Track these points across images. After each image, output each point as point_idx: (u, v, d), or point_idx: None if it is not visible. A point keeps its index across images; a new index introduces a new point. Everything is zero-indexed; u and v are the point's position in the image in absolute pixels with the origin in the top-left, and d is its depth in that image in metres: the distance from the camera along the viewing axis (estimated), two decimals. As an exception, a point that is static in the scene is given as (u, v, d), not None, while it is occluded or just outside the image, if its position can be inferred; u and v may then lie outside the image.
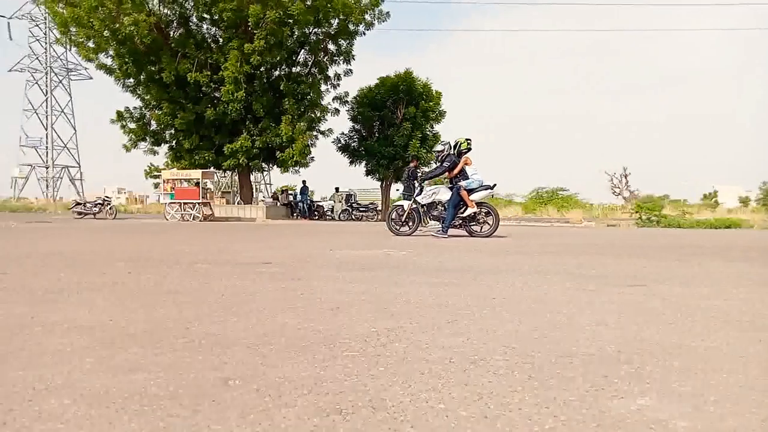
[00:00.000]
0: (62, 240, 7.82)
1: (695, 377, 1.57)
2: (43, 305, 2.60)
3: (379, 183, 26.67)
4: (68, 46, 23.55)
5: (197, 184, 19.59)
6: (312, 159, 22.68)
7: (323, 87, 23.12)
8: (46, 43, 61.10)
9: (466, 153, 9.59)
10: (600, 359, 1.75)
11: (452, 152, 9.62)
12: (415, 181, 11.09)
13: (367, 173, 26.06)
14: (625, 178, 36.80)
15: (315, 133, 22.65)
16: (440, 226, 9.36)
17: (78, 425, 1.19)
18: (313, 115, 22.22)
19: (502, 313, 2.52)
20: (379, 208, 25.30)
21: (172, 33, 20.74)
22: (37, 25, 60.53)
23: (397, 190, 25.09)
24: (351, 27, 21.54)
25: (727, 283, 3.74)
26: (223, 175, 21.68)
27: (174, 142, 22.12)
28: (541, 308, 2.67)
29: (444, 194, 9.51)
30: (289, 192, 25.56)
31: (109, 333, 2.04)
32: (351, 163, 26.09)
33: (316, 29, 21.30)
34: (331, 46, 22.39)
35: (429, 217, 9.91)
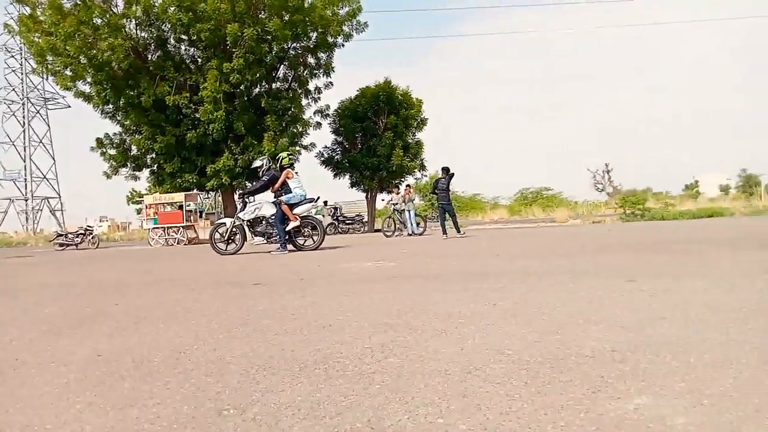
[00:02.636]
0: (46, 274, 7.68)
1: (691, 373, 1.57)
2: (46, 338, 2.53)
3: (365, 194, 26.68)
4: (45, 76, 23.33)
5: (180, 207, 19.44)
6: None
7: (304, 101, 23.16)
8: (22, 73, 60.49)
9: (288, 167, 9.67)
10: (594, 360, 1.74)
11: (274, 166, 9.82)
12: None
13: (352, 185, 26.08)
14: (608, 173, 37.31)
15: (298, 148, 22.62)
16: (276, 245, 9.19)
17: None
18: (295, 130, 22.16)
19: (499, 320, 2.50)
20: (366, 219, 25.27)
21: (149, 56, 20.66)
22: (12, 56, 59.80)
23: (382, 200, 25.15)
24: (330, 39, 21.61)
25: (719, 274, 3.77)
26: (206, 196, 21.48)
27: (155, 166, 21.92)
28: (535, 311, 2.66)
29: (267, 209, 9.48)
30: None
31: (111, 365, 2.00)
32: (335, 176, 26.10)
33: (294, 44, 21.36)
34: (311, 60, 22.45)
35: (253, 234, 9.78)
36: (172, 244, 18.88)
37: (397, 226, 16.22)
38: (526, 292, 3.29)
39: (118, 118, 21.33)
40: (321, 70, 22.77)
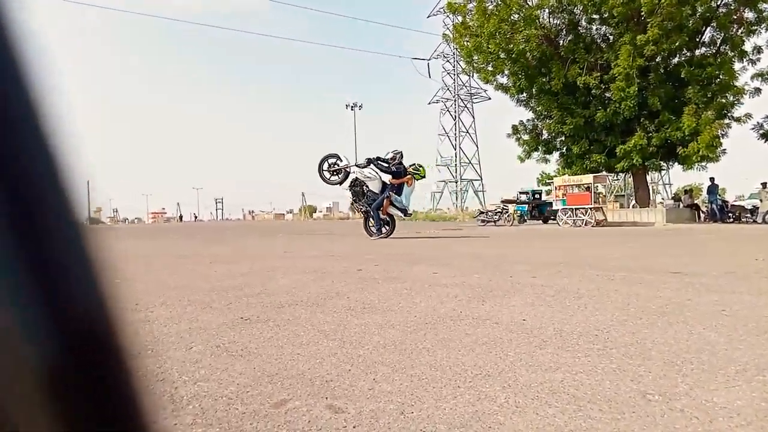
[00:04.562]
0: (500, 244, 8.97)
1: None
2: (473, 301, 3.02)
3: (826, 174, 20.71)
4: (471, 73, 26.93)
5: (588, 188, 19.42)
6: (723, 152, 19.39)
7: (737, 65, 19.49)
8: (454, 74, 72.37)
9: (414, 175, 10.65)
10: None
11: (404, 164, 10.52)
12: None
13: (805, 163, 20.63)
14: None
15: (727, 121, 19.29)
16: (374, 231, 10.49)
17: (510, 410, 1.36)
18: (723, 101, 19.00)
19: None
20: (826, 206, 19.59)
21: (561, 42, 21.28)
22: (447, 61, 72.36)
23: None
24: (778, -17, 17.53)
25: None
26: (615, 178, 20.77)
27: (564, 148, 22.55)
28: None
29: (375, 185, 10.46)
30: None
31: (533, 331, 2.22)
32: (779, 151, 21.16)
33: (725, -1, 18.23)
34: (748, 14, 18.67)
35: (349, 187, 10.70)
36: (580, 226, 19.12)
37: None
38: None
39: (531, 105, 22.82)
40: (763, 25, 18.68)
